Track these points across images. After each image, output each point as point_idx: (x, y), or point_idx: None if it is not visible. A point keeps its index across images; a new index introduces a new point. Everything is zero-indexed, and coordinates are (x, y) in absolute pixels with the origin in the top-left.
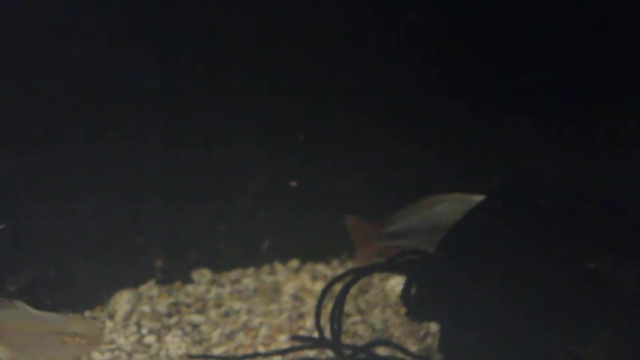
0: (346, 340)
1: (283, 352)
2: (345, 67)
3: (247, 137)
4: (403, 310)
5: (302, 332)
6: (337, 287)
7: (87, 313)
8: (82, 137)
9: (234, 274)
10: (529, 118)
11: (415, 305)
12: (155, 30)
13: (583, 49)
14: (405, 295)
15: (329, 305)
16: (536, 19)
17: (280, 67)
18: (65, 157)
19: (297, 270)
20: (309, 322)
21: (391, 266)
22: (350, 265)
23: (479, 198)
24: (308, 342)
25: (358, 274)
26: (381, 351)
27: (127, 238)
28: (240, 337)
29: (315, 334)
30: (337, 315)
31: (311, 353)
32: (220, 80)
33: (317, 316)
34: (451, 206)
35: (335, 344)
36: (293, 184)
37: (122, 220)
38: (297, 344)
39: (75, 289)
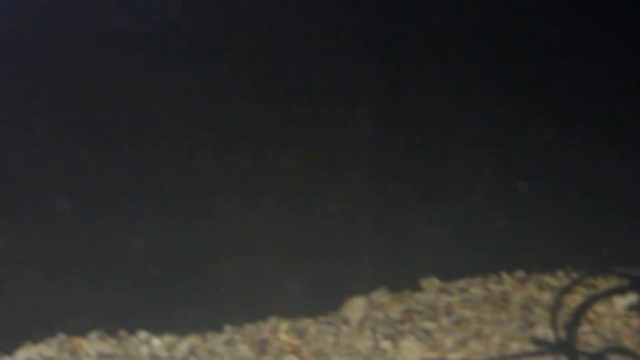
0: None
1: (518, 357)
2: None
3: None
4: (633, 320)
5: (532, 341)
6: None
7: (321, 318)
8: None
9: (462, 283)
10: None
11: None
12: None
13: None
14: None
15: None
16: None
17: None
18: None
19: (523, 281)
20: (540, 331)
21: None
22: (575, 276)
23: None
24: (544, 346)
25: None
26: (615, 359)
27: (358, 246)
28: (473, 344)
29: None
30: (577, 320)
31: (545, 358)
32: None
33: (554, 319)
34: None
35: (571, 350)
36: (522, 186)
37: (353, 228)
38: (532, 349)
39: (310, 295)
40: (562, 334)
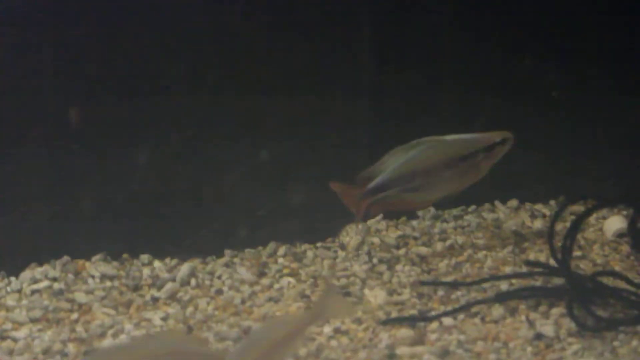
0: None
1: (509, 278)
2: None
3: None
4: (622, 247)
5: (524, 266)
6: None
7: (319, 244)
8: None
9: (456, 211)
10: None
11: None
12: None
13: None
14: (631, 228)
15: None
16: None
17: None
18: None
19: (516, 209)
20: (531, 256)
21: (619, 201)
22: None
23: (452, 139)
24: (540, 267)
25: (592, 208)
26: (606, 281)
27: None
28: (467, 268)
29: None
30: (569, 245)
31: (536, 282)
32: None
33: (551, 241)
34: (424, 150)
35: (565, 271)
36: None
37: (352, 156)
38: (524, 270)
39: (309, 222)
40: (554, 259)
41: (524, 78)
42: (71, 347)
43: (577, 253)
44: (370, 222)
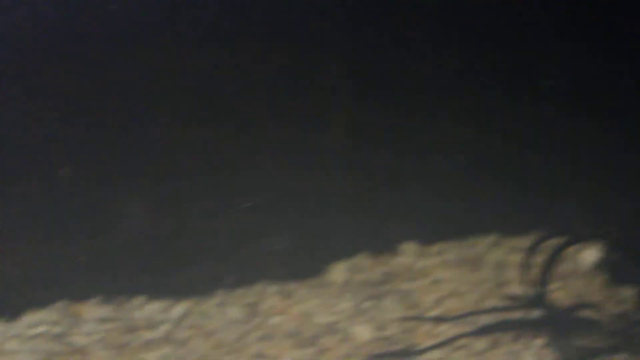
0: None
1: (490, 312)
2: None
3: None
4: (599, 277)
5: (505, 299)
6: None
7: (307, 281)
8: None
9: (438, 247)
10: None
11: (615, 272)
12: None
13: None
14: (605, 261)
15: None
16: None
17: None
18: None
19: (496, 244)
20: (512, 289)
21: (592, 236)
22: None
23: None
24: (516, 302)
25: (567, 242)
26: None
27: (341, 215)
28: (449, 303)
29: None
30: (546, 278)
31: (517, 314)
32: None
33: (526, 274)
34: None
35: (541, 305)
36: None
37: (336, 198)
38: (505, 305)
39: (297, 260)
40: (533, 291)
41: None
42: None
43: (555, 285)
44: (356, 259)
